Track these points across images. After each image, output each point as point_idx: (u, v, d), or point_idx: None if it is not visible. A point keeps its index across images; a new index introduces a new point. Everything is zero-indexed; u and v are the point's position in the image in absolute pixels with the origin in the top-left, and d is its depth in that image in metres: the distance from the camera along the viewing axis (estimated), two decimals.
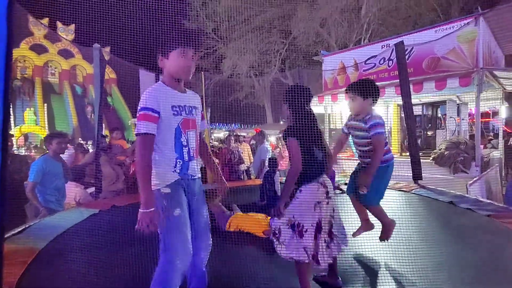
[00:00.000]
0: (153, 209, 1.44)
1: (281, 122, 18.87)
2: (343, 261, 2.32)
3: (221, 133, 18.96)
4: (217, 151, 7.44)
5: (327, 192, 1.82)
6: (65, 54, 16.83)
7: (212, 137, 11.58)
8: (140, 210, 1.44)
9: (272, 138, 11.25)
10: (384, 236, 2.32)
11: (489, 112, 10.30)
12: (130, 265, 2.22)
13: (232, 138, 7.81)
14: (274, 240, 1.82)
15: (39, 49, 15.98)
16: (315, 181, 1.78)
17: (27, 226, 2.96)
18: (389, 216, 2.44)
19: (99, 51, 4.94)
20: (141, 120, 1.45)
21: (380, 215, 2.35)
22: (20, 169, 3.51)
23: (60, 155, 3.53)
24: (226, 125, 19.91)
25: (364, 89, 2.17)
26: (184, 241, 1.52)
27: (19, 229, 2.82)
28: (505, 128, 8.15)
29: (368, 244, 2.51)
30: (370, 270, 2.29)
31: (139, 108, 1.48)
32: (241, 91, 18.69)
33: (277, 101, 19.32)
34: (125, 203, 4.03)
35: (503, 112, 7.56)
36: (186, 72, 1.62)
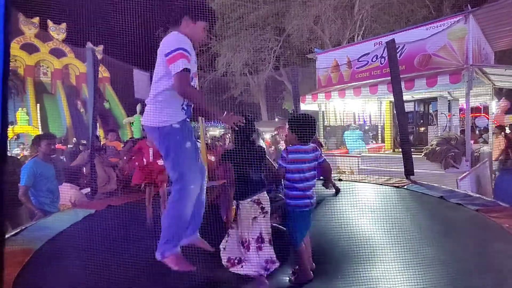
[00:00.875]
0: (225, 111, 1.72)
1: (276, 119, 18.94)
2: (336, 255, 2.38)
3: (216, 131, 18.96)
4: (213, 149, 7.47)
5: (262, 208, 2.04)
6: (57, 53, 16.61)
7: (208, 135, 11.58)
8: (220, 117, 1.70)
9: (267, 136, 11.28)
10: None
11: (480, 107, 10.47)
12: (127, 263, 2.26)
13: (228, 136, 7.84)
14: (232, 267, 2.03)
15: (30, 48, 15.74)
16: (248, 199, 2.01)
17: (22, 228, 2.97)
18: None
19: (92, 50, 4.92)
20: (180, 58, 1.61)
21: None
22: (13, 171, 3.49)
23: (52, 156, 3.53)
24: (221, 123, 19.84)
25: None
26: (195, 170, 1.72)
27: (15, 231, 2.83)
28: (496, 122, 8.31)
29: (361, 237, 2.58)
30: (362, 262, 2.34)
31: (172, 48, 1.63)
32: (235, 89, 18.67)
33: (272, 99, 19.37)
34: (120, 202, 4.05)
35: (493, 107, 7.71)
36: (198, 42, 2.03)
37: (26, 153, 8.23)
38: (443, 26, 5.60)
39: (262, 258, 2.00)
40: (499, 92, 9.87)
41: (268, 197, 2.14)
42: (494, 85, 6.89)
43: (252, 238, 1.99)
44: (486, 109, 10.73)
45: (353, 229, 3.06)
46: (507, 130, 8.38)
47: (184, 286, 2.08)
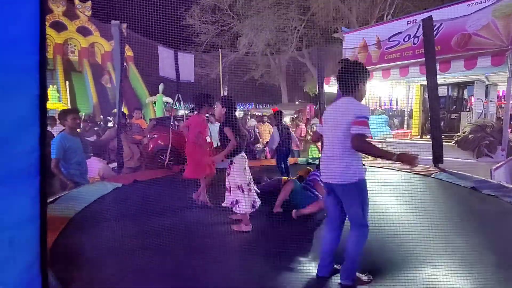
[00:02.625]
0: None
1: (297, 103, 18.59)
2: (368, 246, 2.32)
3: (236, 113, 18.95)
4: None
5: (246, 162, 2.96)
6: (83, 31, 16.96)
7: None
8: (394, 158, 1.86)
9: (287, 119, 11.14)
10: None
11: None
12: (151, 234, 2.35)
13: (248, 117, 7.80)
14: (233, 207, 2.85)
15: (58, 26, 16.17)
16: (240, 154, 2.88)
17: (57, 196, 3.15)
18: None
19: (118, 27, 4.93)
20: (366, 126, 1.87)
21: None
22: (48, 144, 3.66)
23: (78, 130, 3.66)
24: (241, 104, 19.82)
25: None
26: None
27: (50, 200, 3.00)
28: None
29: (387, 230, 2.48)
30: (390, 255, 2.29)
31: (362, 115, 1.88)
32: (256, 70, 18.38)
33: (293, 81, 18.94)
34: (146, 178, 4.19)
35: None
36: None
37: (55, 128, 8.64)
38: (488, 2, 5.10)
39: (251, 198, 2.87)
40: None
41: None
42: None
43: (244, 183, 2.81)
44: None
45: (375, 216, 2.99)
46: None
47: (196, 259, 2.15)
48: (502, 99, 8.22)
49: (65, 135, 3.43)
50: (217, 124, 7.05)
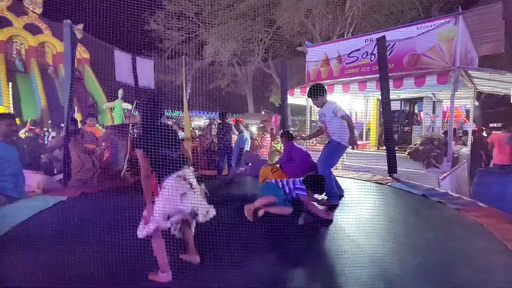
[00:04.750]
0: None
1: (263, 112, 18.80)
2: (318, 247, 2.32)
3: (201, 121, 18.60)
4: (196, 139, 7.27)
5: (190, 183, 2.11)
6: (32, 29, 15.53)
7: (193, 124, 11.30)
8: None
9: (253, 128, 11.16)
10: None
11: (460, 109, 10.80)
12: (94, 254, 2.09)
13: (213, 126, 7.63)
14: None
15: (1, 22, 14.63)
16: (173, 176, 2.04)
17: None
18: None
19: (70, 27, 4.56)
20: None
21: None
22: None
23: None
24: (207, 113, 19.51)
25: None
26: None
27: None
28: (474, 126, 8.57)
29: (345, 232, 2.55)
30: (346, 257, 2.30)
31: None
32: (223, 79, 18.31)
33: (260, 91, 19.18)
34: (94, 190, 3.82)
35: (474, 111, 7.93)
36: None
37: None
38: (433, 26, 5.62)
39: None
40: (478, 96, 10.21)
41: (192, 173, 2.19)
42: (477, 88, 7.07)
43: (184, 213, 2.05)
44: (466, 112, 11.11)
45: (337, 221, 3.04)
46: (484, 133, 8.73)
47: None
48: (447, 114, 9.07)
49: None
50: (181, 133, 6.84)
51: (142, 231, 2.00)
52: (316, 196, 3.20)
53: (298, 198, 2.93)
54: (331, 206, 3.27)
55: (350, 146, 3.42)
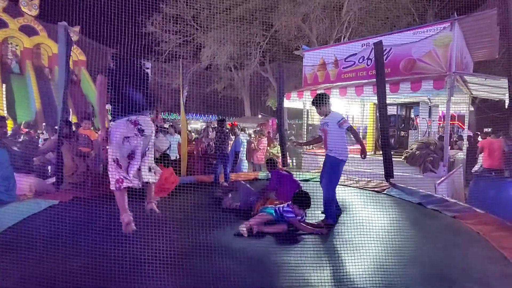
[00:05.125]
0: None
1: (259, 116, 18.80)
2: (315, 256, 2.28)
3: (198, 124, 18.54)
4: (193, 142, 7.21)
5: (140, 130, 2.07)
6: (28, 31, 15.43)
7: (189, 128, 11.24)
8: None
9: (250, 131, 11.13)
10: None
11: (455, 115, 10.88)
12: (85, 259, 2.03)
13: (210, 129, 7.59)
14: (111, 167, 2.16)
15: None
16: (123, 119, 2.01)
17: None
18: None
19: (64, 29, 4.52)
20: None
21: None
22: None
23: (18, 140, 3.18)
24: (203, 116, 19.47)
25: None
26: None
27: None
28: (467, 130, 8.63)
29: (340, 240, 2.52)
30: (342, 266, 2.26)
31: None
32: (219, 83, 18.30)
33: (256, 95, 19.20)
34: (87, 195, 3.75)
35: (469, 116, 7.98)
36: None
37: None
38: (430, 32, 5.67)
39: (132, 169, 2.16)
40: (473, 101, 10.30)
41: (150, 121, 2.16)
42: (472, 93, 7.12)
43: (122, 156, 2.07)
44: (460, 117, 11.19)
45: (334, 232, 3.01)
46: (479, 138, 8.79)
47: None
48: (442, 119, 9.12)
49: None
50: (177, 136, 6.79)
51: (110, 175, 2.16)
52: (309, 222, 3.23)
53: (288, 221, 3.01)
54: (327, 226, 3.22)
55: (362, 156, 3.44)
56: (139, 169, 2.22)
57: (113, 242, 2.15)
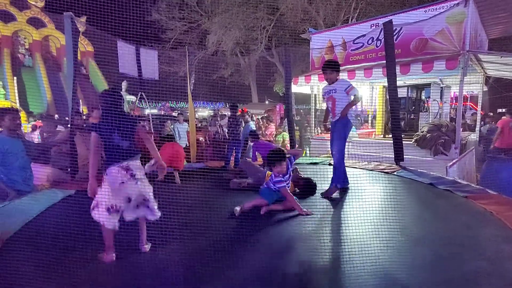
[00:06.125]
0: None
1: (267, 102, 18.67)
2: (328, 236, 2.32)
3: (205, 112, 18.58)
4: (203, 130, 7.28)
5: (133, 175, 2.19)
6: (36, 23, 15.53)
7: (197, 116, 11.28)
8: None
9: (258, 118, 11.11)
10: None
11: (467, 96, 10.55)
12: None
13: (218, 118, 7.63)
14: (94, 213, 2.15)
15: (5, 17, 14.63)
16: (116, 166, 2.14)
17: None
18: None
19: (70, 19, 4.53)
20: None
21: None
22: None
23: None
24: (210, 103, 19.47)
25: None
26: None
27: None
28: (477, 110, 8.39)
29: (352, 222, 2.54)
30: (353, 247, 2.30)
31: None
32: (226, 69, 18.15)
33: (263, 81, 19.00)
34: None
35: (483, 96, 7.74)
36: None
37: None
38: (442, 8, 5.43)
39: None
40: (487, 81, 9.95)
41: (139, 164, 2.27)
42: (486, 73, 6.88)
43: (119, 200, 2.15)
44: (472, 98, 10.85)
45: (344, 212, 3.04)
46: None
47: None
48: (454, 101, 8.88)
49: (3, 137, 3.03)
50: (185, 124, 6.85)
51: (94, 214, 2.13)
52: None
53: (279, 190, 3.08)
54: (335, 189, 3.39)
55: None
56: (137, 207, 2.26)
57: (130, 225, 2.23)
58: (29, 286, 1.76)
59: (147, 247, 2.28)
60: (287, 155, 3.16)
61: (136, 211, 2.23)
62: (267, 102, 18.84)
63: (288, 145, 6.65)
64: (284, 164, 3.05)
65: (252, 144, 4.77)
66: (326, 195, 3.45)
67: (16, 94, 12.56)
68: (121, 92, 2.38)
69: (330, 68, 3.53)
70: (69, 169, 4.25)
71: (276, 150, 3.27)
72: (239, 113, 6.05)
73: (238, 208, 3.01)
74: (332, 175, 3.55)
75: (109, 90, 2.35)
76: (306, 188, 3.56)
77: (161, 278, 1.91)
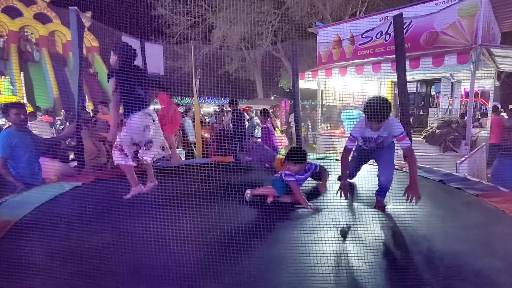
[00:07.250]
0: None
1: (272, 98, 18.56)
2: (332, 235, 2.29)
3: (210, 107, 18.56)
4: (209, 126, 7.25)
5: (153, 120, 2.75)
6: (42, 18, 15.61)
7: (201, 111, 11.26)
8: None
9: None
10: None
11: (478, 91, 10.34)
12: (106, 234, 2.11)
13: (224, 113, 7.59)
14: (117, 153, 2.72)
15: (12, 12, 14.72)
16: (140, 112, 2.60)
17: (3, 200, 2.79)
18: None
19: (75, 13, 4.51)
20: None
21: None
22: None
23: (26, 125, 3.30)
24: (215, 99, 19.45)
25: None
26: None
27: None
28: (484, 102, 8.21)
29: (360, 220, 2.51)
30: (361, 243, 2.26)
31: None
32: (231, 64, 18.06)
33: (269, 76, 18.88)
34: (108, 176, 3.87)
35: (495, 91, 7.56)
36: None
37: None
38: (454, 1, 5.28)
39: (151, 153, 2.79)
40: (499, 76, 9.73)
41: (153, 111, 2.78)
42: (498, 68, 6.71)
43: (141, 141, 2.69)
44: (483, 94, 10.63)
45: (352, 209, 2.99)
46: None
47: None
48: (464, 97, 8.70)
49: (11, 131, 3.04)
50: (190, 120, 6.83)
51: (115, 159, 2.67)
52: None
53: (287, 183, 3.07)
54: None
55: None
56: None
57: (134, 217, 2.22)
58: (36, 270, 1.76)
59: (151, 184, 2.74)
60: (310, 163, 3.15)
61: (150, 153, 2.69)
62: (272, 97, 18.73)
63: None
64: (298, 167, 2.99)
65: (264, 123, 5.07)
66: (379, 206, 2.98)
67: (24, 90, 12.68)
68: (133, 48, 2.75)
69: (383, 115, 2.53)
70: (76, 163, 4.28)
71: (298, 149, 3.12)
72: (240, 110, 6.02)
73: (249, 192, 3.05)
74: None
75: (124, 43, 2.71)
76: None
77: (169, 268, 1.90)
